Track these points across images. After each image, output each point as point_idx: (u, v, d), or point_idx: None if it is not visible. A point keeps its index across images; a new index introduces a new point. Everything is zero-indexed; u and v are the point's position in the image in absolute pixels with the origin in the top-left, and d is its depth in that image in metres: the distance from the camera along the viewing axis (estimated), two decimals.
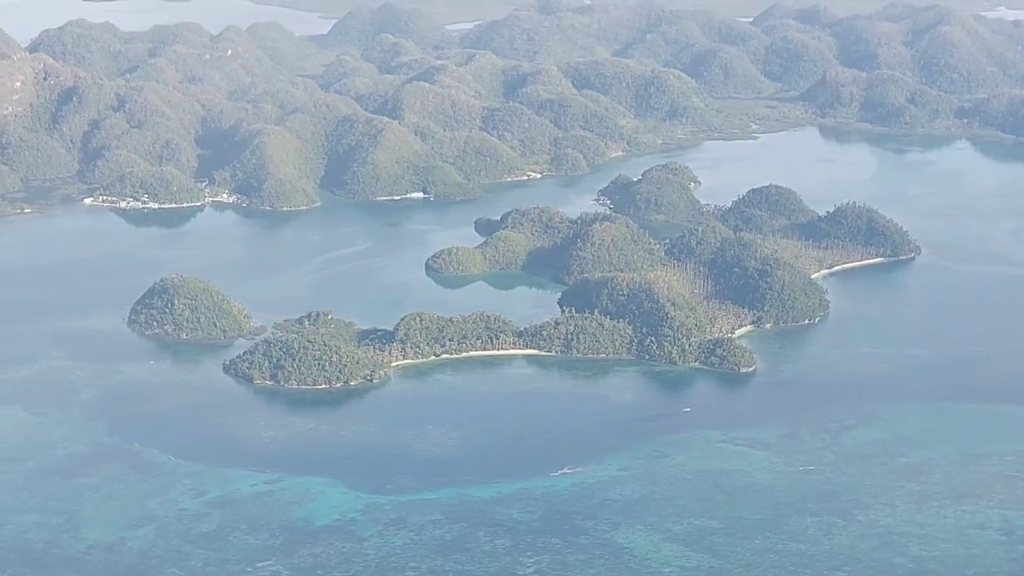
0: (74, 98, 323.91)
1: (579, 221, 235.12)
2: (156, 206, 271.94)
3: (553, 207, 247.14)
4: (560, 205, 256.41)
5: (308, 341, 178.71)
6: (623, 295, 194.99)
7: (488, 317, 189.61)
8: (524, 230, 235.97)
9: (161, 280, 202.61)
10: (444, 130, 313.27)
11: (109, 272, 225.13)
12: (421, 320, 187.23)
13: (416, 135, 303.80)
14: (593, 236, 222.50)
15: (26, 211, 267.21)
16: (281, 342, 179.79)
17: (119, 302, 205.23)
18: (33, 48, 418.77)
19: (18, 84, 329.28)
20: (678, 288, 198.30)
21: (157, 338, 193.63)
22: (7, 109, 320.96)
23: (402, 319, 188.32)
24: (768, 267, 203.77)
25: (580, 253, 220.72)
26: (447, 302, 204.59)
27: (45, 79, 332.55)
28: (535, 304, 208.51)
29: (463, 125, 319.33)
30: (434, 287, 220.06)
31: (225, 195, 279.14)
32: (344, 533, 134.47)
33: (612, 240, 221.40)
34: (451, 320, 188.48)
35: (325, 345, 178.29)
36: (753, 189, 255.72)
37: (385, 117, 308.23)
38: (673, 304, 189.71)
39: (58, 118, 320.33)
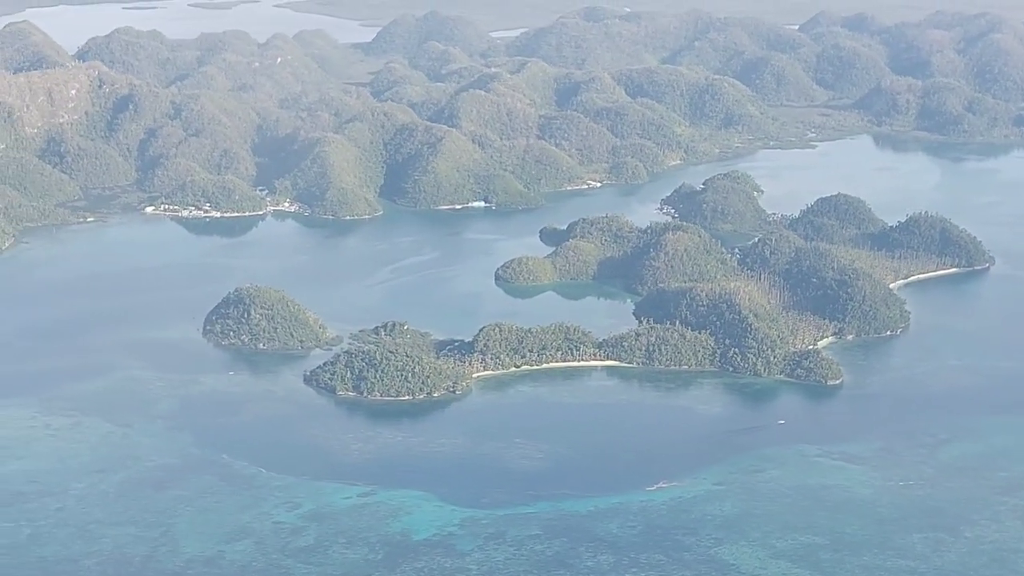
0: (130, 106, 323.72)
1: (649, 230, 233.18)
2: (218, 215, 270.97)
3: (621, 216, 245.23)
4: (622, 214, 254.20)
5: (390, 352, 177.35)
6: (703, 306, 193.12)
7: (567, 328, 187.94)
8: (593, 239, 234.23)
9: (236, 290, 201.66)
10: (501, 138, 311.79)
11: (178, 281, 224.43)
12: (500, 331, 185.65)
13: (474, 143, 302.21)
14: (666, 245, 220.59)
15: (89, 220, 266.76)
16: (363, 353, 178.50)
17: (191, 311, 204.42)
18: (81, 56, 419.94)
19: (73, 92, 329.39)
20: (758, 299, 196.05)
21: (234, 348, 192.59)
22: (63, 117, 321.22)
23: (481, 330, 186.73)
24: (847, 278, 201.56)
25: (653, 263, 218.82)
26: (520, 312, 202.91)
27: (100, 87, 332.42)
28: (609, 315, 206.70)
29: (519, 133, 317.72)
30: (505, 297, 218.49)
31: (286, 204, 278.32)
32: (444, 548, 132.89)
33: (685, 250, 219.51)
34: (530, 331, 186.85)
35: (407, 356, 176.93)
36: (821, 198, 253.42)
37: (443, 125, 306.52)
38: (756, 315, 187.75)
39: (114, 126, 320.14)
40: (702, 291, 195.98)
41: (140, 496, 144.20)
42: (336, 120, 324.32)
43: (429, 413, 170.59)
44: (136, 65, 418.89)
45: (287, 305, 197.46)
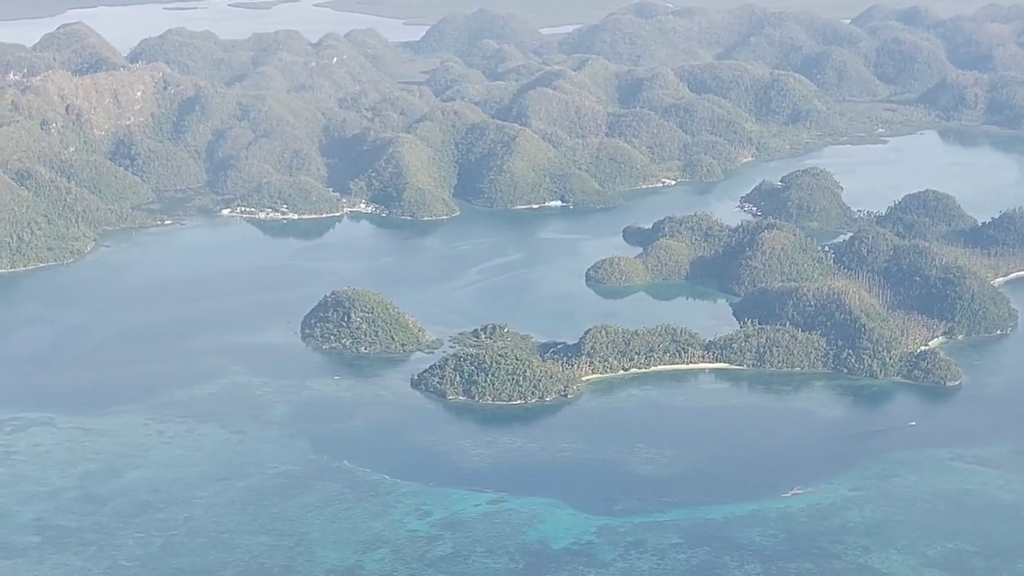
0: (196, 107, 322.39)
1: (741, 229, 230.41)
2: (295, 217, 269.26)
3: (710, 214, 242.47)
4: (710, 212, 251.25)
5: (499, 356, 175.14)
6: (811, 306, 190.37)
7: (674, 330, 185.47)
8: (683, 239, 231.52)
9: (333, 293, 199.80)
10: (571, 137, 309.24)
11: (266, 285, 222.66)
12: (606, 333, 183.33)
13: (546, 142, 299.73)
14: (763, 244, 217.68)
15: (166, 223, 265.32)
16: (472, 356, 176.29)
17: (285, 315, 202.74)
18: (134, 57, 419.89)
19: (139, 94, 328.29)
20: (867, 299, 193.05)
21: (335, 352, 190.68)
22: (129, 119, 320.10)
23: (587, 332, 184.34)
24: (952, 276, 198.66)
25: (750, 262, 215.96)
26: (616, 314, 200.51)
27: (165, 88, 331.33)
28: (708, 315, 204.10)
29: (589, 131, 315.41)
30: (598, 298, 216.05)
31: (362, 205, 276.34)
32: (585, 556, 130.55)
33: (782, 248, 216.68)
34: (636, 333, 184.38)
35: (517, 360, 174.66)
36: (909, 195, 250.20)
37: (514, 124, 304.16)
38: (867, 315, 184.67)
39: (181, 128, 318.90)
40: (808, 291, 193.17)
41: (267, 504, 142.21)
42: (404, 119, 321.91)
43: (543, 417, 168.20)
44: (191, 66, 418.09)
45: (386, 308, 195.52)
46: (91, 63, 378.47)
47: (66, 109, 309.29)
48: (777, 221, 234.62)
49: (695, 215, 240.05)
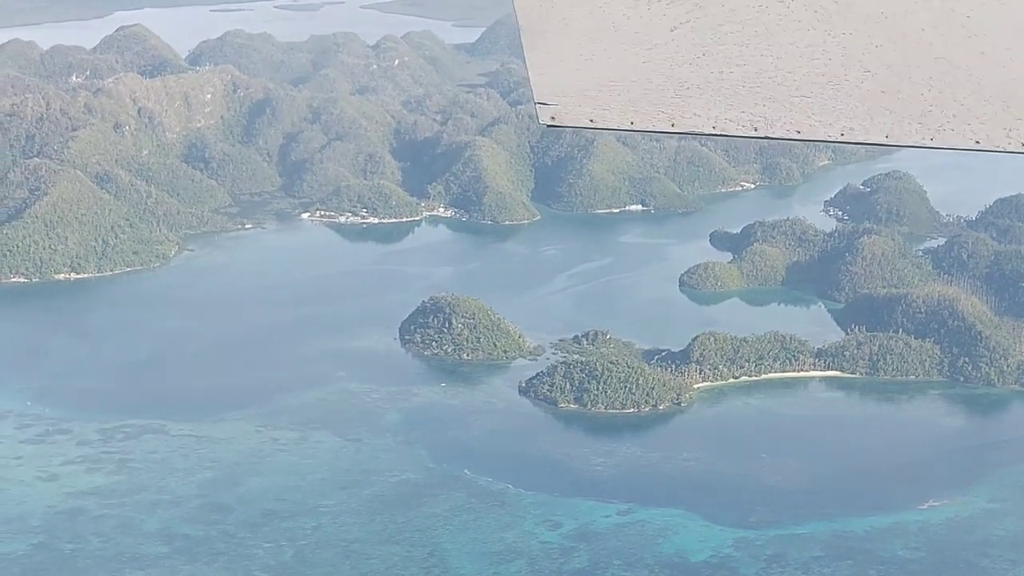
0: (267, 110, 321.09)
1: (836, 234, 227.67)
2: (375, 221, 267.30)
3: (802, 219, 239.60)
4: (784, 215, 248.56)
5: (611, 363, 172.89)
6: (921, 312, 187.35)
7: (783, 336, 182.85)
8: (776, 243, 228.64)
9: (432, 298, 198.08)
10: (645, 139, 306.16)
11: (357, 289, 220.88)
12: (715, 340, 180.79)
13: (623, 145, 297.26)
14: (863, 249, 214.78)
15: (247, 227, 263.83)
16: (583, 364, 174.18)
17: (381, 320, 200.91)
18: (193, 59, 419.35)
19: (208, 96, 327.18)
20: (979, 305, 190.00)
21: (437, 359, 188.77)
22: (200, 122, 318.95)
23: (695, 339, 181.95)
24: None
25: (850, 267, 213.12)
26: (716, 320, 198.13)
27: (234, 91, 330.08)
28: (810, 322, 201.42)
29: (662, 135, 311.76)
30: (694, 304, 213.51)
31: (441, 209, 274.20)
32: (726, 570, 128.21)
33: (883, 253, 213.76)
34: (745, 340, 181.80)
35: (629, 367, 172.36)
36: (1001, 199, 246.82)
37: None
38: (980, 322, 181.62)
39: (251, 131, 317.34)
40: (918, 297, 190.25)
41: (394, 514, 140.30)
42: (476, 123, 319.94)
43: (659, 426, 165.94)
44: (251, 68, 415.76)
45: (487, 314, 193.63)
46: (154, 65, 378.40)
47: (138, 112, 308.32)
48: (874, 226, 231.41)
49: (787, 220, 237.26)
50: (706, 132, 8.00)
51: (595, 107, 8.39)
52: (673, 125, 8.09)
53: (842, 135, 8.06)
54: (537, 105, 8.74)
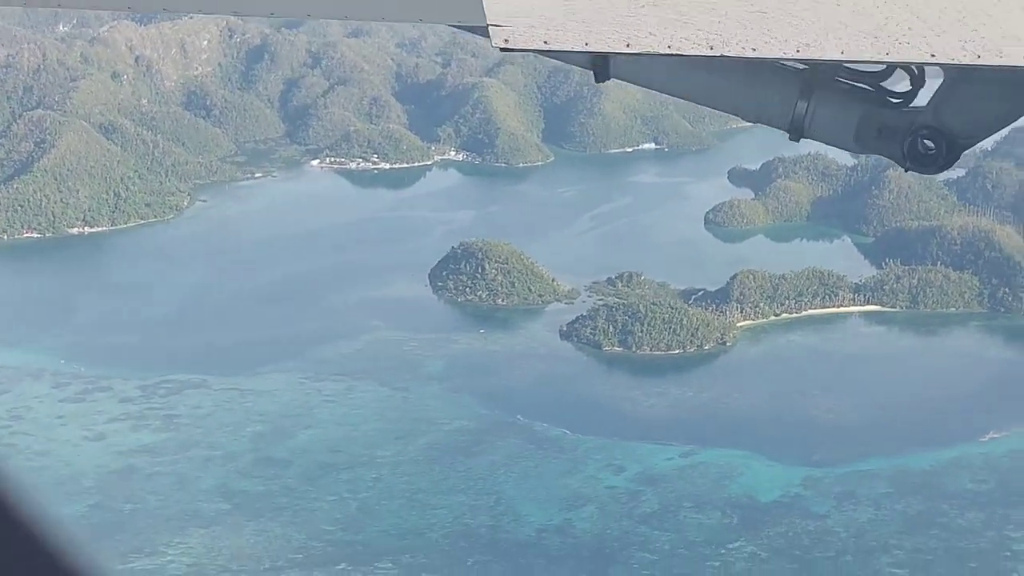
0: (265, 56, 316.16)
1: (859, 168, 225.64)
2: (387, 166, 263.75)
3: (824, 153, 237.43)
4: (794, 150, 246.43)
5: (654, 304, 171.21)
6: (956, 244, 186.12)
7: (822, 272, 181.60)
8: (799, 179, 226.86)
9: (461, 244, 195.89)
10: None
11: (380, 236, 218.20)
12: (754, 278, 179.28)
13: (625, 83, 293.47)
14: (890, 183, 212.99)
15: (256, 175, 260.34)
16: (624, 306, 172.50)
17: (409, 267, 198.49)
18: None
19: (204, 43, 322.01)
20: (1014, 236, 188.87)
21: (471, 305, 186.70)
22: (197, 69, 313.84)
23: (733, 277, 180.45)
24: None
25: (877, 201, 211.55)
26: (747, 257, 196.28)
27: (231, 37, 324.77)
28: (842, 257, 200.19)
29: None
30: (723, 243, 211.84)
31: (452, 152, 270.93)
32: (799, 510, 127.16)
33: (909, 186, 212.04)
34: (784, 277, 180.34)
35: (672, 308, 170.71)
36: (1017, 128, 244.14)
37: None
38: (1020, 252, 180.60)
39: (251, 77, 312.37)
40: (953, 229, 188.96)
41: (453, 462, 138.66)
42: (480, 63, 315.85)
43: (706, 366, 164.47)
44: None
45: (520, 259, 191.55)
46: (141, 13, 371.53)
47: (135, 60, 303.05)
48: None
49: (808, 155, 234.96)
50: (661, 52, 7.49)
51: (549, 28, 7.67)
52: (628, 45, 7.54)
53: (797, 51, 7.44)
54: (490, 27, 7.67)
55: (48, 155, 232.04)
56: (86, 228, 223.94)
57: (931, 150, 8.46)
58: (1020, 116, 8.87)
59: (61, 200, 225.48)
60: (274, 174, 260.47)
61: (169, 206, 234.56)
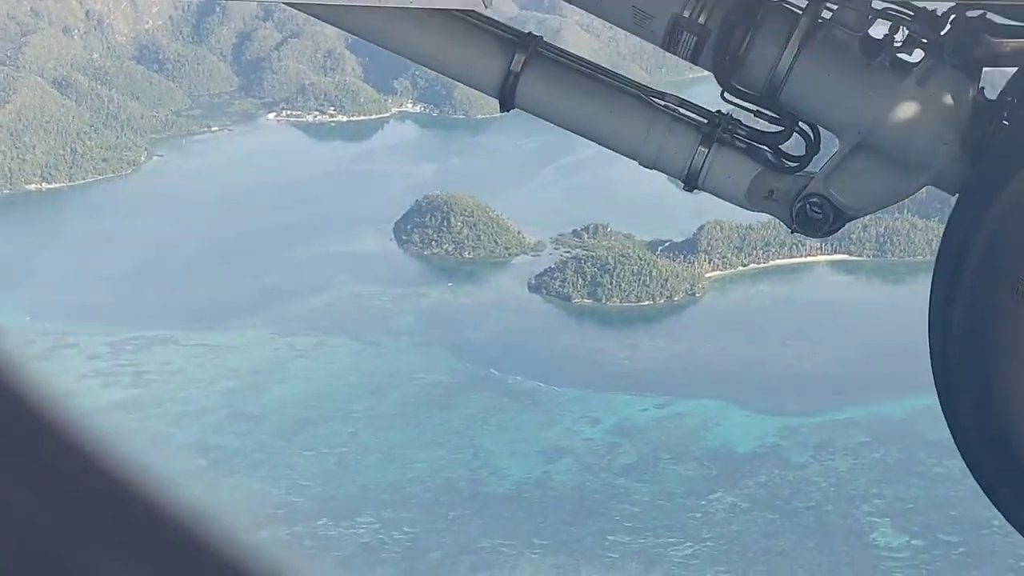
0: (216, 9, 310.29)
1: None
2: (344, 119, 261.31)
3: None
4: None
5: (623, 256, 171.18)
6: (921, 194, 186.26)
7: None
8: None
9: (426, 197, 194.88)
10: (607, 27, 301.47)
11: (340, 190, 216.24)
12: (721, 229, 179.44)
13: (584, 31, 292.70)
14: None
15: (213, 129, 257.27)
16: (593, 258, 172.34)
17: (372, 221, 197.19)
18: None
19: None
20: None
21: (437, 258, 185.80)
22: (148, 23, 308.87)
23: (700, 228, 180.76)
24: None
25: None
26: (710, 209, 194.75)
27: None
28: None
29: None
30: (682, 193, 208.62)
31: (409, 104, 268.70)
32: (777, 459, 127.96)
33: None
34: (751, 227, 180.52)
35: (641, 259, 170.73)
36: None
37: (550, 15, 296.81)
38: None
39: (202, 31, 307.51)
40: None
41: (429, 416, 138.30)
42: None
43: (677, 317, 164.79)
44: None
45: (485, 211, 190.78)
46: None
47: (86, 14, 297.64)
48: None
49: None
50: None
51: None
52: None
53: None
54: None
55: (2, 110, 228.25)
56: (43, 184, 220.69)
57: (818, 217, 8.44)
58: (906, 196, 9.14)
59: (18, 156, 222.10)
60: (230, 128, 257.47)
61: (126, 161, 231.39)
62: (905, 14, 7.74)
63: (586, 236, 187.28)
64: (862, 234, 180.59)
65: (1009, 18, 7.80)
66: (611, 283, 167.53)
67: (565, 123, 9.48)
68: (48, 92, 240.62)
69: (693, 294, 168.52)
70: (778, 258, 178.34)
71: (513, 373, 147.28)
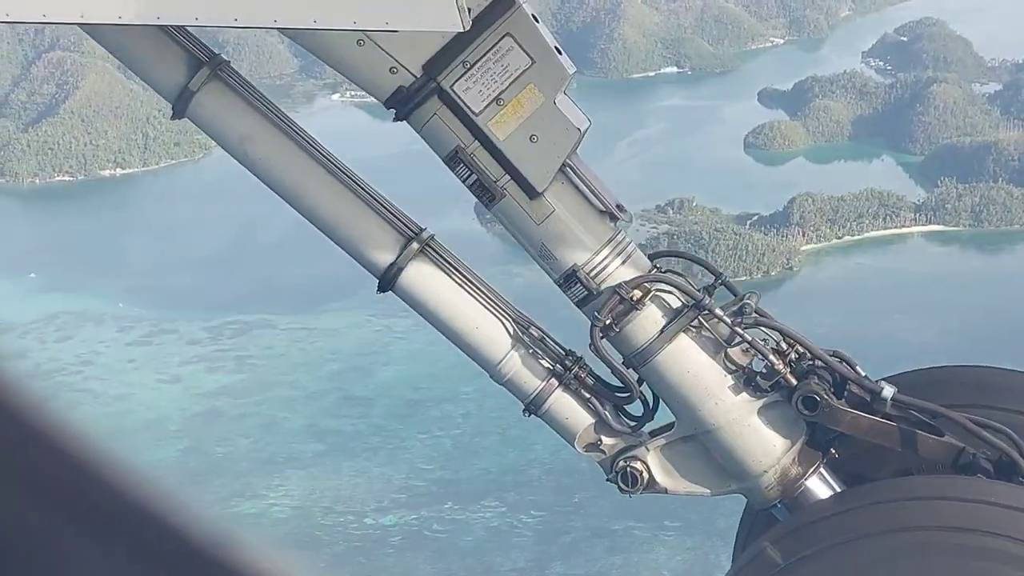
0: None
1: (898, 85, 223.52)
2: None
3: (860, 71, 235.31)
4: (822, 69, 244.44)
5: (716, 230, 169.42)
6: (1014, 160, 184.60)
7: (881, 193, 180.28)
8: (836, 98, 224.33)
9: None
10: (670, 0, 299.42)
11: (415, 171, 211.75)
12: (812, 201, 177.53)
13: (645, 5, 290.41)
14: (934, 99, 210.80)
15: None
16: (687, 233, 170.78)
17: (454, 201, 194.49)
18: None
19: None
20: None
21: None
22: None
23: (791, 201, 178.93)
24: None
25: (922, 118, 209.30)
26: (796, 180, 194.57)
27: None
28: (892, 176, 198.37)
29: None
30: (765, 165, 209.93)
31: None
32: None
33: (954, 102, 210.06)
34: (842, 199, 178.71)
35: (736, 234, 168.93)
36: None
37: None
38: None
39: None
40: (1008, 144, 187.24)
41: None
42: None
43: (778, 292, 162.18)
44: None
45: None
46: None
47: None
48: (937, 74, 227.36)
49: (845, 72, 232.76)
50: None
51: None
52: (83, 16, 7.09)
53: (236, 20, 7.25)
54: None
55: (73, 97, 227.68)
56: (118, 170, 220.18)
57: (635, 479, 8.57)
58: (717, 494, 9.08)
59: (91, 142, 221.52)
60: (297, 110, 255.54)
61: (198, 145, 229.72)
62: (778, 348, 8.40)
63: (671, 211, 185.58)
64: (957, 204, 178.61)
65: None
66: (707, 258, 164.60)
67: (431, 319, 9.60)
68: (115, 77, 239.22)
69: (790, 268, 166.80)
70: (872, 230, 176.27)
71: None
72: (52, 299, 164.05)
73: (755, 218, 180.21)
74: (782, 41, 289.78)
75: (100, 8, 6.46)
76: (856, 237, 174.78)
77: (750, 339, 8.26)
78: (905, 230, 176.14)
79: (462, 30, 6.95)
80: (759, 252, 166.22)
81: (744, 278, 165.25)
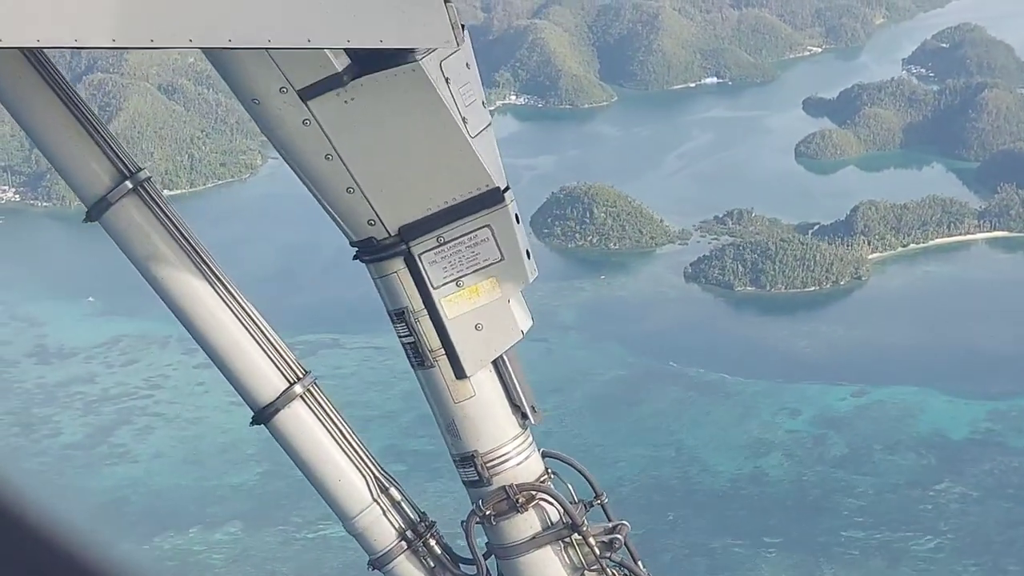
0: None
1: (947, 91, 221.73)
2: None
3: (907, 79, 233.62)
4: (863, 77, 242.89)
5: (783, 241, 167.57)
6: None
7: (943, 200, 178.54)
8: (886, 106, 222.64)
9: (562, 189, 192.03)
10: (699, 11, 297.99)
11: None
12: (876, 209, 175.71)
13: (680, 15, 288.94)
14: (987, 105, 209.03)
15: None
16: (753, 244, 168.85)
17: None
18: None
19: None
20: None
21: (582, 250, 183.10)
22: None
23: (855, 209, 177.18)
24: None
25: (976, 124, 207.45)
26: (851, 189, 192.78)
27: None
28: (947, 183, 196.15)
29: (712, 4, 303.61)
30: (818, 174, 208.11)
31: (513, 97, 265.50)
32: (995, 445, 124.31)
33: (1007, 107, 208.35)
34: (905, 206, 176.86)
35: (803, 244, 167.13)
36: None
37: (651, 1, 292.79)
38: None
39: None
40: None
41: (619, 413, 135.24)
42: (526, 6, 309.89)
43: (847, 302, 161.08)
44: None
45: (627, 201, 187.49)
46: None
47: None
48: (988, 80, 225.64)
49: (892, 80, 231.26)
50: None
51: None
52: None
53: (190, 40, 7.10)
54: None
55: (117, 118, 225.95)
56: (164, 191, 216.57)
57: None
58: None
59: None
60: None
61: (243, 165, 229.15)
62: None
63: (730, 222, 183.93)
64: (1021, 210, 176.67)
65: None
66: (774, 269, 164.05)
67: (296, 461, 9.27)
68: (158, 98, 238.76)
69: (859, 277, 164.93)
70: (937, 237, 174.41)
71: (693, 365, 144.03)
72: (112, 323, 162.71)
73: (816, 227, 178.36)
74: (819, 50, 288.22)
75: (94, 33, 6.17)
76: (921, 245, 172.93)
77: (610, 574, 8.36)
78: (970, 237, 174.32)
79: (455, 48, 6.69)
80: (827, 262, 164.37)
81: (813, 288, 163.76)
